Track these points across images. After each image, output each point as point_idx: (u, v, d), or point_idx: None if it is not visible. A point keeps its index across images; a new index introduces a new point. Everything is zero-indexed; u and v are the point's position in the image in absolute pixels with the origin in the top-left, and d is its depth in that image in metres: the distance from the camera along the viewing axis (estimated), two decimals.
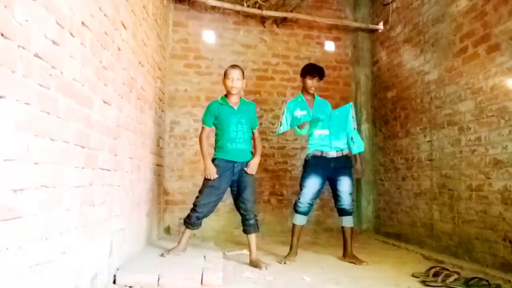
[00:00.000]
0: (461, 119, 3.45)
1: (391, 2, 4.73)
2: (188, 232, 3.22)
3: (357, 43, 5.36)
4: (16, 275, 1.30)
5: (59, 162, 1.63)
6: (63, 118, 1.66)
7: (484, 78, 3.18)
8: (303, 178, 3.43)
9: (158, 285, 2.37)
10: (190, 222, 3.18)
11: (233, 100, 3.20)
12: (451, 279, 2.60)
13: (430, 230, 3.87)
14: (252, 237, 3.15)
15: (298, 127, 3.46)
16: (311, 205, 3.41)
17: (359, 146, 3.50)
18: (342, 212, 3.45)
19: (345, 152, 3.46)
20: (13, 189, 1.28)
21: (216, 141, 3.24)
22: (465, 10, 3.44)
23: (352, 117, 3.50)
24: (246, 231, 3.18)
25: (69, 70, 1.71)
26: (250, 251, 3.17)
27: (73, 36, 1.75)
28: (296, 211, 3.41)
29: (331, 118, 3.45)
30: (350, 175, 3.45)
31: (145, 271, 2.50)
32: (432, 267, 2.88)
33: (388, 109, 4.82)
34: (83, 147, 1.89)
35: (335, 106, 3.78)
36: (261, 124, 4.99)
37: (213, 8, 4.84)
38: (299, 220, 3.42)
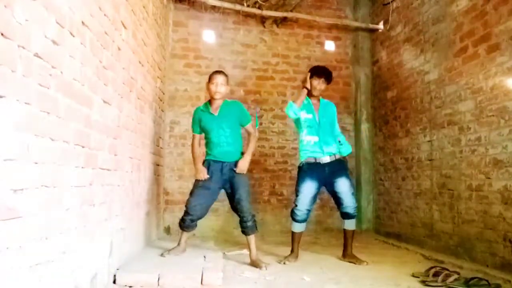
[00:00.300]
0: (461, 119, 3.45)
1: (391, 1, 4.73)
2: (185, 233, 3.23)
3: (357, 43, 5.36)
4: (16, 275, 1.30)
5: (59, 162, 1.63)
6: (63, 118, 1.66)
7: (484, 78, 3.18)
8: (299, 184, 3.38)
9: (158, 285, 2.37)
10: (185, 225, 3.19)
11: (215, 105, 3.21)
12: (451, 279, 2.59)
13: (430, 230, 3.87)
14: (251, 237, 3.15)
15: (295, 101, 3.38)
16: (308, 211, 3.38)
17: (347, 148, 3.50)
18: (346, 216, 3.41)
19: (338, 156, 3.43)
20: (13, 189, 1.28)
21: (205, 144, 3.30)
22: (465, 9, 3.43)
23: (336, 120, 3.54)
24: (244, 233, 3.18)
25: (69, 70, 1.70)
26: (249, 251, 3.17)
27: (73, 36, 1.74)
28: (294, 220, 3.38)
29: (320, 124, 3.41)
30: (347, 176, 3.42)
31: (145, 271, 2.50)
32: (432, 267, 2.88)
33: (388, 109, 4.82)
34: (83, 147, 1.89)
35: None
36: (261, 124, 5.02)
37: (213, 7, 4.84)
38: (298, 228, 3.39)
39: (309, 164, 3.38)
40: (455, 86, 3.55)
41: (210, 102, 3.24)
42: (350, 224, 3.42)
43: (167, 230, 4.60)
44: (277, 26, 5.20)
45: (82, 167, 1.88)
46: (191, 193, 3.19)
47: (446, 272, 2.70)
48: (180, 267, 2.64)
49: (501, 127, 2.99)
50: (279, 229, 4.80)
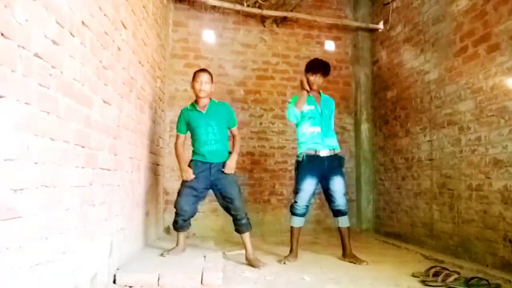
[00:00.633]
0: (461, 119, 3.45)
1: (391, 1, 4.73)
2: (182, 233, 3.24)
3: (357, 43, 5.36)
4: (16, 275, 1.30)
5: (59, 162, 1.63)
6: (63, 118, 1.66)
7: (484, 78, 3.18)
8: (298, 180, 3.38)
9: (158, 285, 2.38)
10: (178, 226, 3.20)
11: (202, 103, 3.23)
12: (451, 278, 2.59)
13: (430, 230, 3.87)
14: (246, 236, 3.16)
15: (296, 105, 3.35)
16: (307, 206, 3.40)
17: (337, 145, 3.51)
18: (338, 213, 3.42)
19: (337, 151, 3.44)
20: (13, 189, 1.28)
21: (192, 145, 3.30)
22: (465, 9, 3.43)
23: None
24: (238, 231, 3.19)
25: (69, 70, 1.70)
26: (245, 250, 3.17)
27: (73, 36, 1.74)
28: (293, 214, 3.39)
29: (322, 115, 3.43)
30: (342, 175, 3.43)
31: (145, 271, 2.50)
32: (432, 267, 2.88)
33: (388, 109, 4.82)
34: (83, 147, 1.89)
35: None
36: (261, 124, 5.02)
37: (213, 7, 4.83)
38: (297, 222, 3.40)
39: (308, 157, 3.36)
40: (455, 86, 3.55)
41: (196, 101, 3.26)
42: (344, 222, 3.42)
43: (167, 230, 4.59)
44: (277, 25, 5.19)
45: (82, 167, 1.88)
46: (179, 193, 3.20)
47: (446, 272, 2.70)
48: (180, 267, 2.64)
49: (501, 127, 2.99)
50: (279, 229, 4.80)
